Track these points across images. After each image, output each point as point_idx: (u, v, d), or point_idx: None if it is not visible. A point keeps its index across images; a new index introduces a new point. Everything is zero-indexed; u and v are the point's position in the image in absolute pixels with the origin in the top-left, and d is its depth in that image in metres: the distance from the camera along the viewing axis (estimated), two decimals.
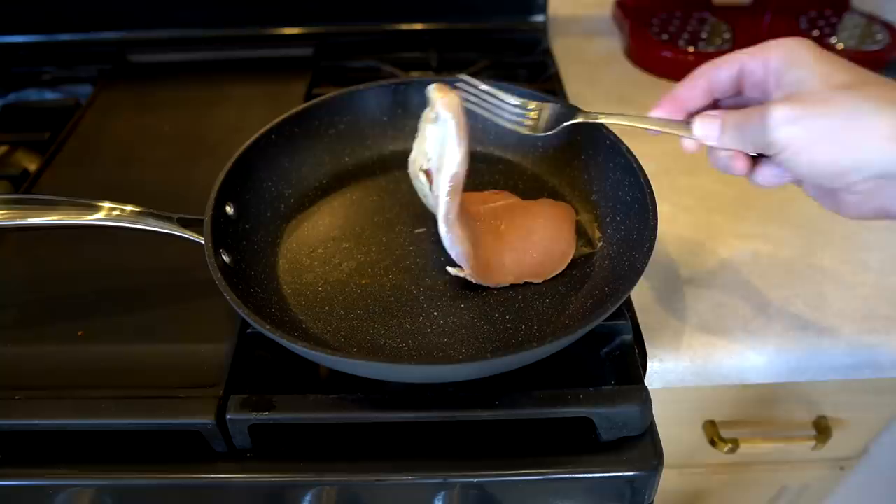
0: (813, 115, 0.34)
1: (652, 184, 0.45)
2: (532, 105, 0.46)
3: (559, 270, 0.46)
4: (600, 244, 0.48)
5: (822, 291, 0.50)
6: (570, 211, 0.50)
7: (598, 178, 0.50)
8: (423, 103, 0.55)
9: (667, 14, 0.81)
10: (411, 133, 0.47)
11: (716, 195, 0.58)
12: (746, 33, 0.77)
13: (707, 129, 0.39)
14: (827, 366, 0.47)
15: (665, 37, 0.76)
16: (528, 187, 0.53)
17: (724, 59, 0.39)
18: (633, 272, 0.40)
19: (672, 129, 0.41)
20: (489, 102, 0.46)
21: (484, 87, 0.46)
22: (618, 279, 0.43)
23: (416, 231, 0.50)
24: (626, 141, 0.48)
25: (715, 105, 0.41)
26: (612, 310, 0.38)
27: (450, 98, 0.41)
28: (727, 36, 0.76)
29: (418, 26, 0.79)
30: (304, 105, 0.53)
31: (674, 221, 0.56)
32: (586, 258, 0.47)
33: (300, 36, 0.78)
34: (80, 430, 0.40)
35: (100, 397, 0.39)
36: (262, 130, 0.50)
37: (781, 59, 0.37)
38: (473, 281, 0.44)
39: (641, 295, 0.49)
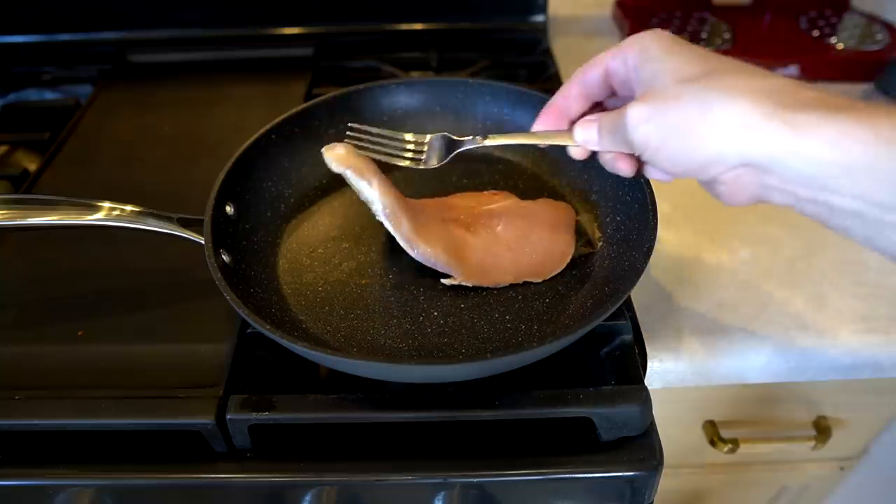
0: (663, 113, 0.33)
1: (652, 184, 0.45)
2: (409, 137, 0.45)
3: (559, 270, 0.46)
4: (600, 244, 0.48)
5: (822, 291, 0.50)
6: (570, 211, 0.50)
7: (598, 178, 0.50)
8: (423, 103, 0.56)
9: (667, 14, 0.81)
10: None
11: None
12: (746, 33, 0.77)
13: (587, 134, 0.38)
14: (827, 366, 0.47)
15: None
16: (528, 187, 0.53)
17: (591, 62, 0.39)
18: (633, 272, 0.40)
19: (557, 140, 0.41)
20: (376, 143, 0.45)
21: (373, 129, 0.46)
22: (618, 279, 0.43)
23: None
24: None
25: (598, 108, 0.41)
26: (612, 310, 0.38)
27: (335, 153, 0.42)
28: (727, 36, 0.76)
29: (418, 26, 0.79)
30: (304, 105, 0.53)
31: (674, 221, 0.56)
32: (586, 258, 0.47)
33: (300, 36, 0.78)
34: (80, 430, 0.40)
35: (100, 397, 0.39)
36: (262, 130, 0.50)
37: (636, 55, 0.36)
38: (469, 285, 0.44)
39: (641, 295, 0.49)
